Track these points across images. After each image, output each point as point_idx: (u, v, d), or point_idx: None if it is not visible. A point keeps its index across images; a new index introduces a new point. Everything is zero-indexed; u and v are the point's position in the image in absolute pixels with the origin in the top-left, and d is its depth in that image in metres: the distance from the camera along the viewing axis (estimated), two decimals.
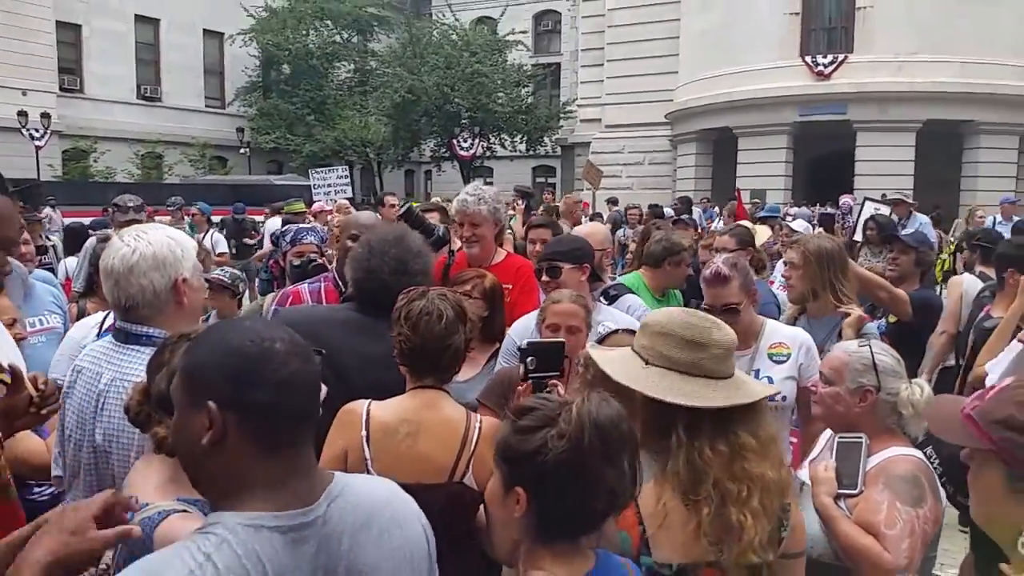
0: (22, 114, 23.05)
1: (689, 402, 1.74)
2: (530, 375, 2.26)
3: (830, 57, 21.62)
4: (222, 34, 33.25)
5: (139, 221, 5.82)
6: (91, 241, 5.08)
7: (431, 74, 28.88)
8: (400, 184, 38.56)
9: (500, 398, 2.54)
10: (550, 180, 36.69)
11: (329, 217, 8.74)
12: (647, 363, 1.83)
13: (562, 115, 32.22)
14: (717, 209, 15.92)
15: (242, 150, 30.72)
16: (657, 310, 2.14)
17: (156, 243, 2.06)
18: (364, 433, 2.13)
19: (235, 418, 1.18)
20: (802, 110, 21.96)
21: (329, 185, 14.30)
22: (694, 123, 24.79)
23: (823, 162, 23.06)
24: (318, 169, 15.53)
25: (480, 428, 2.18)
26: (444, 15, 33.27)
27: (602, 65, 28.35)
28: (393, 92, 29.09)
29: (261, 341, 1.21)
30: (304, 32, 33.32)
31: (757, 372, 3.04)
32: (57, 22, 27.80)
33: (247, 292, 5.88)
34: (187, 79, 32.75)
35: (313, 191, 14.52)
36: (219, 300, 4.46)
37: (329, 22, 33.96)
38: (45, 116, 23.64)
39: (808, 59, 21.81)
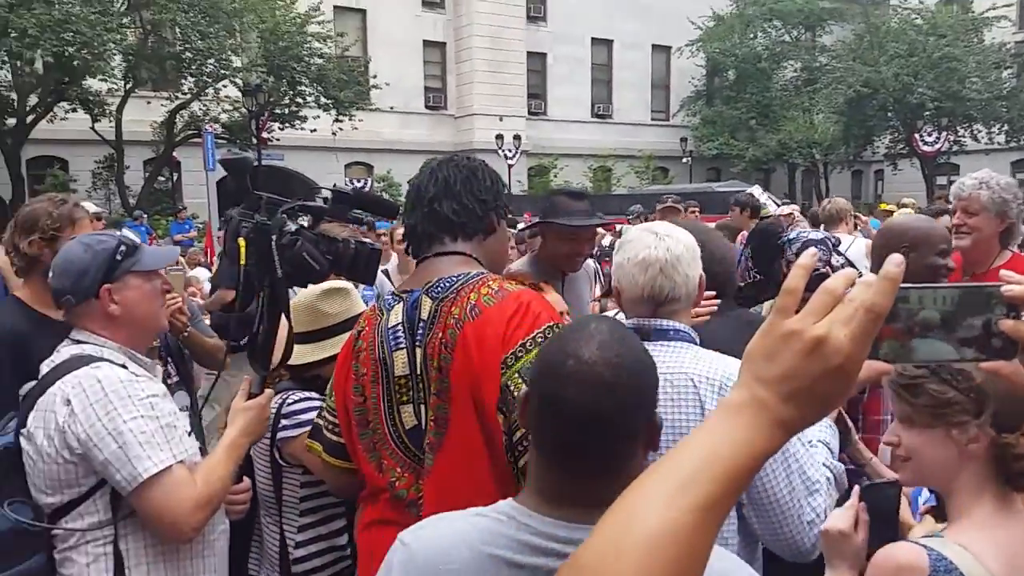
0: (499, 137, 26.67)
1: None
2: None
3: None
4: (669, 48, 34.38)
5: None
6: None
7: (890, 64, 26.37)
8: (847, 186, 36.00)
9: None
10: None
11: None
12: None
13: None
14: None
15: (684, 159, 31.45)
16: None
17: (687, 237, 1.96)
18: None
19: None
20: None
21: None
22: None
23: None
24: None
25: None
26: None
27: None
28: (846, 87, 27.19)
29: None
30: (751, 36, 32.93)
31: None
32: (527, 53, 31.33)
33: None
34: (636, 95, 34.56)
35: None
36: None
37: (778, 22, 33.10)
38: (516, 138, 26.96)
39: None
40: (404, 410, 1.80)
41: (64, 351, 1.92)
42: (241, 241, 1.96)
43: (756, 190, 14.86)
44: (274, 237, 1.97)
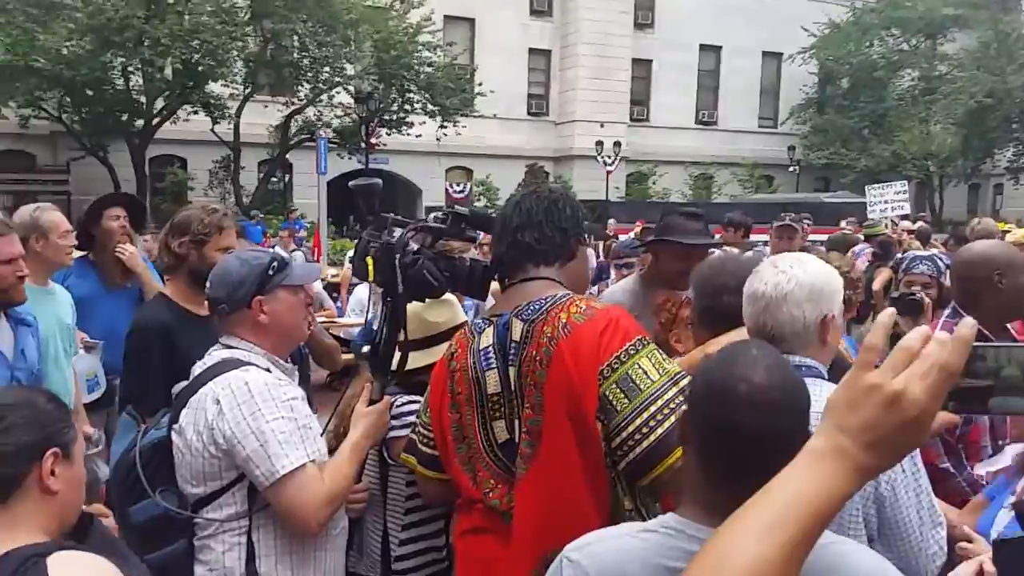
0: (599, 144, 26.59)
1: None
2: None
3: None
4: (780, 54, 33.49)
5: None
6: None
7: (1019, 73, 25.05)
8: (963, 200, 34.21)
9: None
10: None
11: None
12: None
13: None
14: None
15: (791, 168, 30.49)
16: None
17: (813, 273, 1.93)
18: None
19: None
20: None
21: (886, 202, 13.45)
22: None
23: None
24: (875, 185, 14.66)
25: None
26: None
27: None
28: (968, 97, 25.95)
29: None
30: (868, 44, 31.75)
31: None
32: (633, 59, 31.10)
33: None
34: (743, 102, 33.78)
35: (868, 208, 13.76)
36: None
37: (896, 30, 31.79)
38: (616, 144, 26.84)
39: None
40: (496, 425, 1.93)
41: (215, 354, 2.12)
42: (369, 260, 2.14)
43: (901, 184, 13.83)
44: (397, 256, 2.14)
